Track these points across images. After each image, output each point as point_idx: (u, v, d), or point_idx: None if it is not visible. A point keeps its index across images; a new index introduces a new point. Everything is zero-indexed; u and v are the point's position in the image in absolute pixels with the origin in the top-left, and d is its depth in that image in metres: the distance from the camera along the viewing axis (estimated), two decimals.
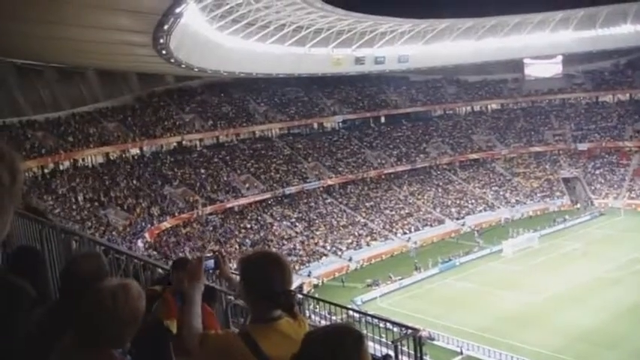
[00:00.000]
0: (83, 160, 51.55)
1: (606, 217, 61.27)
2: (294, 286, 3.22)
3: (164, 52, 38.23)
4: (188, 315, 3.18)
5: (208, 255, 3.75)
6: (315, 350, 2.23)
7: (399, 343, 7.70)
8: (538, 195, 68.48)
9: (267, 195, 57.73)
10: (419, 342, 7.91)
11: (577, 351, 31.95)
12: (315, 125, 71.47)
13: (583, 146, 72.71)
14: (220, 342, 2.95)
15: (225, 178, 57.39)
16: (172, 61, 42.04)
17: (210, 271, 3.97)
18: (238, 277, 3.20)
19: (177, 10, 30.82)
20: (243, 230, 53.54)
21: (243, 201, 55.87)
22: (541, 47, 72.38)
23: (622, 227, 56.57)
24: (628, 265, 45.00)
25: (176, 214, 49.47)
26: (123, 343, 2.67)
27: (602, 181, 68.94)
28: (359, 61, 66.83)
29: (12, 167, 1.08)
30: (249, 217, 55.79)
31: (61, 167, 49.18)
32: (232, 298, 5.42)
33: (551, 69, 78.01)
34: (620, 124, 72.91)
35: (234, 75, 59.90)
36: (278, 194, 58.53)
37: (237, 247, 49.91)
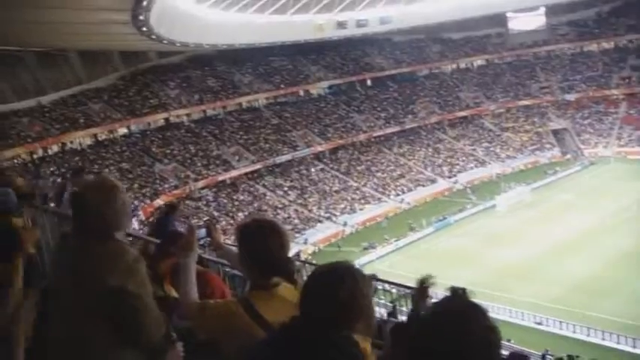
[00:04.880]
0: (71, 142, 51.31)
1: (596, 166, 61.56)
2: (291, 253, 3.22)
3: (144, 28, 37.87)
4: (184, 284, 3.20)
5: (200, 224, 3.80)
6: (316, 287, 2.29)
7: (397, 303, 7.82)
8: (528, 148, 68.61)
9: (258, 165, 57.75)
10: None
11: (574, 300, 32.39)
12: (302, 93, 71.04)
13: (570, 97, 72.68)
14: (220, 310, 2.98)
15: (215, 152, 57.32)
16: (153, 37, 41.69)
17: (202, 240, 4.01)
18: (232, 247, 3.23)
19: None
20: (236, 202, 53.63)
21: (234, 173, 55.91)
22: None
23: (613, 175, 56.95)
24: (620, 213, 45.38)
25: (168, 191, 49.50)
26: (124, 228, 3.08)
27: (591, 130, 69.09)
28: (341, 25, 66.23)
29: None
30: (241, 189, 55.86)
31: (50, 152, 48.98)
32: (229, 269, 5.43)
33: (534, 21, 77.54)
34: (606, 73, 72.87)
35: (217, 47, 59.54)
36: (269, 164, 58.53)
37: (232, 219, 50.03)
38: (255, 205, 53.79)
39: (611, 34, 75.22)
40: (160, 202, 47.56)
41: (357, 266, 2.45)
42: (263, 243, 2.95)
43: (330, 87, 72.24)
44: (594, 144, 66.98)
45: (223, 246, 4.06)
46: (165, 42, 45.56)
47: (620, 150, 64.09)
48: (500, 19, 76.80)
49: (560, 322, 30.63)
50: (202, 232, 3.72)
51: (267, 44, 63.21)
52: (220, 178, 54.76)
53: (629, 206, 46.34)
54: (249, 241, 3.01)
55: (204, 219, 48.22)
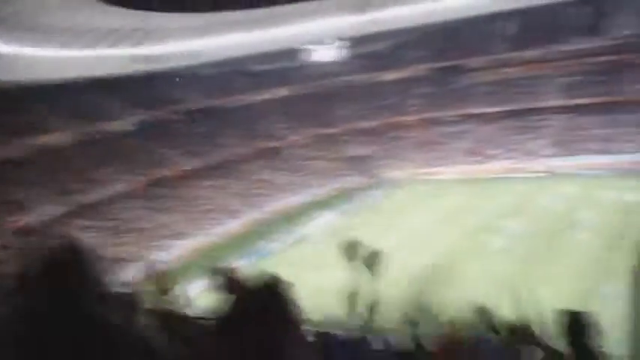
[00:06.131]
0: None
1: (398, 189, 66.13)
2: None
3: None
4: None
5: None
6: None
7: None
8: (334, 175, 71.99)
9: (65, 208, 55.75)
10: None
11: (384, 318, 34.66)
12: (109, 129, 69.61)
13: (369, 124, 77.77)
14: None
15: (17, 196, 54.64)
16: None
17: None
18: None
19: None
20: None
21: (40, 218, 53.54)
22: (320, 34, 76.17)
23: (411, 196, 61.70)
24: (419, 231, 49.32)
25: None
26: None
27: (390, 155, 74.06)
28: (149, 59, 66.21)
29: None
30: (49, 234, 53.61)
31: None
32: None
33: (331, 54, 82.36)
34: (400, 101, 78.70)
35: (20, 84, 57.10)
36: (77, 205, 56.72)
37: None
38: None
39: (401, 65, 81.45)
40: None
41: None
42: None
43: (138, 122, 71.47)
44: (393, 168, 71.74)
45: None
46: None
47: (415, 172, 69.57)
48: (299, 53, 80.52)
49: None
50: None
51: (74, 80, 61.49)
52: (22, 223, 52.21)
53: (424, 224, 50.59)
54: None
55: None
